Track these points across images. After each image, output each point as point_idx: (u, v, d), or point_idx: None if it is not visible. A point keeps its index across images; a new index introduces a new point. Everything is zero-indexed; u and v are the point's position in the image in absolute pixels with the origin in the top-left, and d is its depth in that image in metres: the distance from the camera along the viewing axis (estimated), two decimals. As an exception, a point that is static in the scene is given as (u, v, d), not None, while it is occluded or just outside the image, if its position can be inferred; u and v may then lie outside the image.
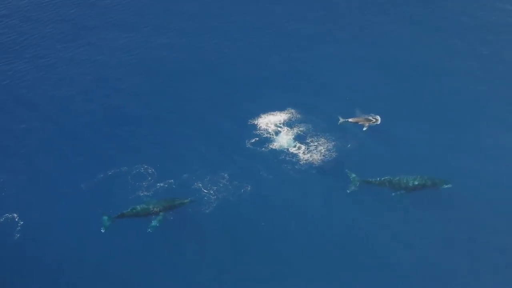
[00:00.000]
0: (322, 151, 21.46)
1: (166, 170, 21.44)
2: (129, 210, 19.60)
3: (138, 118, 24.46)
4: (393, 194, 19.66)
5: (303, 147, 21.66)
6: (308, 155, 21.34)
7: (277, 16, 29.81)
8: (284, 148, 21.69)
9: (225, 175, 21.03)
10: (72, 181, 21.60)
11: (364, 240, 18.75)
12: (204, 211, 19.90)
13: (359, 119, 22.31)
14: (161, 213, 19.57)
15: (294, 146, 21.66)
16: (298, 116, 23.06)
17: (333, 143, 21.69)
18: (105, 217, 19.45)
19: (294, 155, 21.40)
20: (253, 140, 22.21)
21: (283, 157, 21.41)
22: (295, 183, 20.65)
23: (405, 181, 19.65)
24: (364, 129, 21.94)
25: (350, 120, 22.27)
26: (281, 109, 23.42)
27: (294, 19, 29.36)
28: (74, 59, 28.39)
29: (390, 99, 23.69)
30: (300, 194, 20.42)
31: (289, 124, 22.80)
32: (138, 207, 19.61)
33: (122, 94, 25.76)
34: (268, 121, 22.91)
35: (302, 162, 21.13)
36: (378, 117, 22.19)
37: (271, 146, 21.91)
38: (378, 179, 19.99)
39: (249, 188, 20.55)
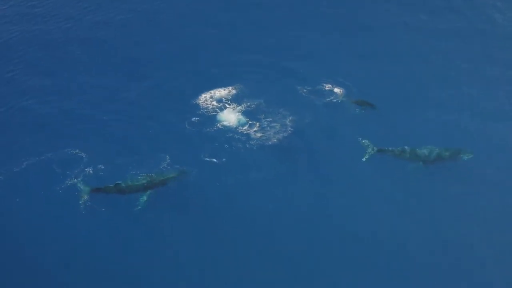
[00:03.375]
0: (277, 127, 18.95)
1: (98, 154, 18.33)
2: (112, 185, 17.01)
3: (64, 95, 21.50)
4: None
5: (255, 124, 19.10)
6: (261, 133, 18.77)
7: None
8: (233, 127, 19.10)
9: (167, 157, 18.29)
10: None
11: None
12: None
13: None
14: (149, 190, 17.04)
15: (245, 124, 19.17)
16: (247, 90, 20.40)
17: (290, 118, 19.18)
18: (85, 188, 17.06)
19: (245, 134, 18.74)
20: (197, 120, 19.43)
21: (231, 135, 18.70)
22: (247, 164, 17.94)
23: (422, 152, 17.48)
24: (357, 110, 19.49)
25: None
26: (227, 84, 20.69)
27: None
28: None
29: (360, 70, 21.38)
30: (255, 175, 17.68)
31: (236, 100, 20.11)
32: (123, 183, 17.07)
33: (43, 68, 22.94)
34: (214, 98, 20.22)
35: (254, 141, 18.48)
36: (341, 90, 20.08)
37: (218, 125, 19.21)
38: (394, 148, 17.69)
39: (194, 172, 17.77)
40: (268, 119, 19.23)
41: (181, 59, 22.64)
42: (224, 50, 22.92)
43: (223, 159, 18.10)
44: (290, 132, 18.75)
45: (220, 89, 20.58)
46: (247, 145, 18.41)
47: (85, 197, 16.92)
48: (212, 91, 20.50)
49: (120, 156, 18.33)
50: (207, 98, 20.24)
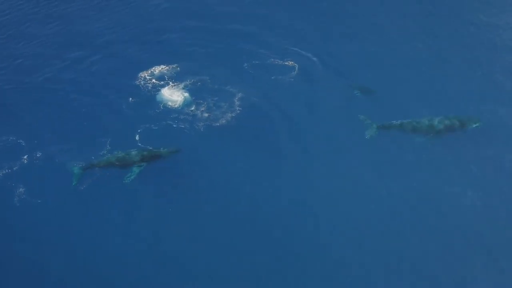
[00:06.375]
0: (225, 107, 18.01)
1: (34, 141, 17.23)
2: (102, 159, 16.37)
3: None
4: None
5: (201, 103, 18.04)
6: (208, 113, 17.76)
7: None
8: (178, 107, 18.03)
9: (107, 142, 17.10)
10: None
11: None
12: (80, 187, 15.93)
13: None
14: (143, 163, 16.36)
15: (191, 104, 18.06)
16: (190, 66, 19.24)
17: (238, 96, 18.15)
18: (75, 168, 16.24)
19: (191, 115, 17.68)
20: (137, 100, 18.25)
21: (176, 115, 17.66)
22: (195, 147, 16.99)
23: (429, 124, 16.56)
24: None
25: None
26: (168, 59, 19.42)
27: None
28: None
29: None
30: (206, 159, 16.68)
31: (179, 77, 18.88)
32: (114, 157, 16.38)
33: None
34: (154, 75, 18.96)
35: (201, 122, 17.43)
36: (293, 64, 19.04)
37: (161, 106, 18.09)
38: (399, 122, 16.63)
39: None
40: (214, 98, 18.18)
41: (116, 34, 21.16)
42: (165, 20, 21.43)
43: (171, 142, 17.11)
44: (238, 111, 17.82)
45: (162, 65, 19.35)
46: (195, 127, 17.38)
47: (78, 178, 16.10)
48: (152, 68, 19.26)
49: (58, 143, 17.18)
50: (147, 77, 19.00)
